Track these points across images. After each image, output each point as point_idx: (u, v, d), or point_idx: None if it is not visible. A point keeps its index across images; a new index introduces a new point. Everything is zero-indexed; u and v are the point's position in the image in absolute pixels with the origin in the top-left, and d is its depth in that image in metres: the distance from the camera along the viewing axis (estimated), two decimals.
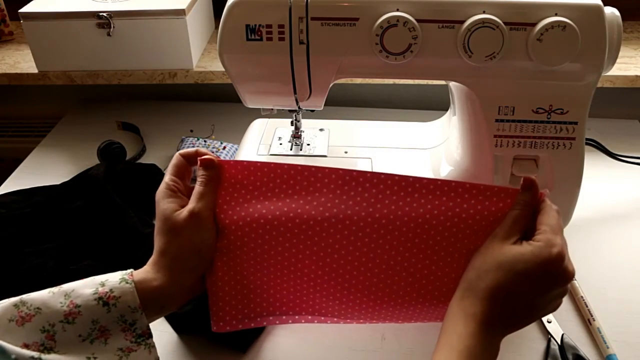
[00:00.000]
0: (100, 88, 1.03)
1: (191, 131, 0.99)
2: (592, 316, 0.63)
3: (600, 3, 0.56)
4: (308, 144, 0.76)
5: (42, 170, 0.91)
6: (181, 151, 0.57)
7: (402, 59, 0.57)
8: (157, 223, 0.53)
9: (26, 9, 0.91)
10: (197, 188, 0.54)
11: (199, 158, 0.55)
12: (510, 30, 0.56)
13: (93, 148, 0.90)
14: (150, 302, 0.49)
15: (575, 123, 0.61)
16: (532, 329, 0.63)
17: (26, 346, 0.45)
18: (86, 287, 0.48)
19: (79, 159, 0.93)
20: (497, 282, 0.47)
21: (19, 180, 0.88)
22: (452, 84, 0.68)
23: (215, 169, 0.54)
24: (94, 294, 0.48)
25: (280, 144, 0.77)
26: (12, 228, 0.74)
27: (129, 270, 0.50)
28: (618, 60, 0.59)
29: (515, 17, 0.56)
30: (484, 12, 0.55)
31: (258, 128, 0.81)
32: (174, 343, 0.62)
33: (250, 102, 0.68)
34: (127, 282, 0.48)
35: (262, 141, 0.77)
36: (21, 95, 1.18)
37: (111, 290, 0.48)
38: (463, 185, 0.54)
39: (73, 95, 1.14)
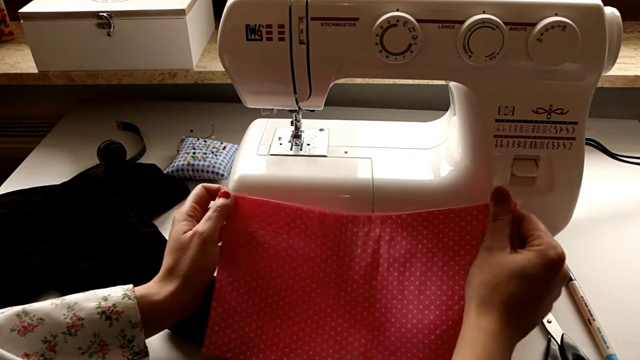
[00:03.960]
0: (100, 88, 1.03)
1: (191, 131, 0.99)
2: (592, 316, 0.63)
3: (600, 3, 0.56)
4: (308, 144, 0.76)
5: (42, 170, 0.91)
6: (205, 184, 0.63)
7: (402, 59, 0.57)
8: (168, 242, 0.57)
9: (26, 9, 0.91)
10: (208, 213, 0.59)
11: (220, 192, 0.61)
12: (510, 30, 0.56)
13: (93, 148, 0.90)
14: (150, 318, 0.50)
15: (575, 123, 0.61)
16: None
17: (26, 356, 0.45)
18: (89, 301, 0.49)
19: (79, 159, 0.93)
20: (512, 292, 0.48)
21: (19, 180, 0.88)
22: (452, 84, 0.68)
23: (229, 199, 0.60)
24: (97, 307, 0.49)
25: (280, 144, 0.76)
26: (12, 228, 0.74)
27: (130, 286, 0.52)
28: (618, 60, 0.59)
29: (515, 17, 0.56)
30: (484, 12, 0.55)
31: (258, 128, 0.81)
32: (170, 349, 0.62)
33: (250, 102, 0.68)
34: (129, 298, 0.50)
35: (262, 141, 0.77)
36: (21, 95, 1.18)
37: (114, 305, 0.49)
38: (443, 212, 0.59)
39: (73, 95, 1.14)
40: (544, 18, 0.55)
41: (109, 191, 0.77)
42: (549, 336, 0.61)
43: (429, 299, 0.56)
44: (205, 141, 0.90)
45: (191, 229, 0.57)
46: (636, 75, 0.91)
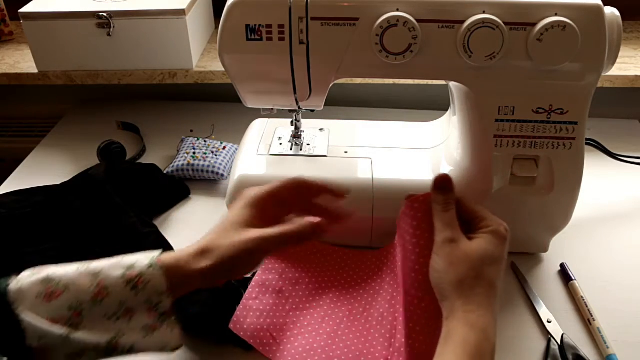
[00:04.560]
0: (100, 88, 1.03)
1: (191, 131, 0.99)
2: (592, 316, 0.63)
3: (600, 3, 0.56)
4: (308, 144, 0.76)
5: (42, 170, 0.91)
6: (303, 180, 0.57)
7: (402, 59, 0.57)
8: (229, 219, 0.54)
9: (26, 9, 0.91)
10: (291, 227, 0.53)
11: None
12: (510, 30, 0.56)
13: (93, 148, 0.89)
14: (176, 286, 0.49)
15: (575, 123, 0.61)
16: (532, 329, 0.63)
17: (53, 321, 0.45)
18: (114, 269, 0.48)
19: (79, 159, 0.93)
20: (490, 280, 0.48)
21: (19, 180, 0.88)
22: (452, 84, 0.68)
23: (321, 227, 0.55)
24: (123, 276, 0.48)
25: (280, 144, 0.77)
26: (12, 228, 0.74)
27: (156, 254, 0.50)
28: (618, 60, 0.59)
29: (515, 17, 0.56)
30: (484, 12, 0.55)
31: (258, 128, 0.81)
32: None
33: (250, 102, 0.68)
34: (155, 267, 0.48)
35: (262, 141, 0.77)
36: (21, 95, 1.18)
37: (140, 274, 0.48)
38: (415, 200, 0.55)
39: (73, 95, 1.14)
40: (544, 18, 0.55)
41: (109, 191, 0.77)
42: (549, 336, 0.61)
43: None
44: (205, 141, 0.90)
45: (251, 223, 0.53)
46: (636, 75, 0.91)
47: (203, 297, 0.61)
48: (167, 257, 0.50)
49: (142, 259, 0.49)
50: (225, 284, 0.65)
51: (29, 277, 0.47)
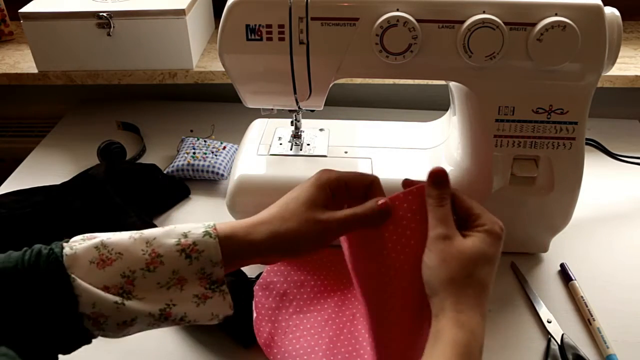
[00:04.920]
0: (100, 88, 1.03)
1: (191, 131, 0.99)
2: (592, 316, 0.63)
3: (600, 3, 0.56)
4: (308, 144, 0.76)
5: (42, 170, 0.91)
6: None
7: (402, 59, 0.57)
8: (297, 196, 0.51)
9: (26, 9, 0.91)
10: (354, 210, 0.51)
11: (384, 202, 0.51)
12: (510, 30, 0.56)
13: (93, 148, 0.90)
14: (229, 255, 0.48)
15: (575, 123, 0.61)
16: (532, 329, 0.63)
17: (106, 289, 0.45)
18: (168, 237, 0.47)
19: (79, 159, 0.93)
20: (482, 280, 0.47)
21: (19, 180, 0.88)
22: (452, 84, 0.68)
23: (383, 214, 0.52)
24: (177, 244, 0.47)
25: (280, 144, 0.77)
26: (12, 228, 0.74)
27: (212, 223, 0.49)
28: (618, 60, 0.59)
29: (515, 17, 0.56)
30: (484, 12, 0.55)
31: (258, 128, 0.81)
32: (178, 341, 0.62)
33: (250, 102, 0.68)
34: (210, 236, 0.47)
35: (262, 141, 0.77)
36: (21, 95, 1.18)
37: (194, 243, 0.47)
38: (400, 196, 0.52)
39: (73, 95, 1.14)
40: (544, 18, 0.55)
41: (109, 191, 0.77)
42: (549, 336, 0.61)
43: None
44: (205, 141, 0.90)
45: (317, 204, 0.50)
46: (636, 75, 0.91)
47: None
48: (223, 226, 0.49)
49: (196, 228, 0.48)
50: (239, 277, 0.65)
51: (82, 243, 0.46)
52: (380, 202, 0.51)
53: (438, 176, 0.51)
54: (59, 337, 0.44)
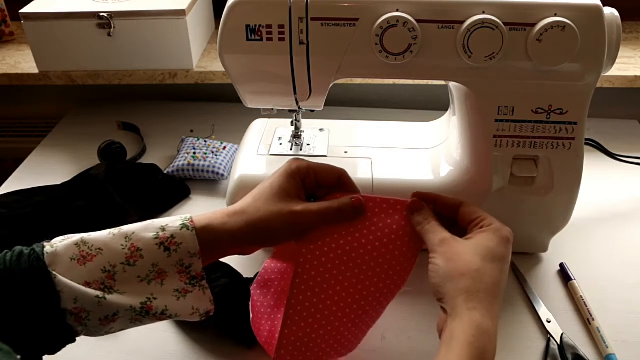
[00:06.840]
0: (100, 88, 1.04)
1: (191, 131, 0.99)
2: (591, 316, 0.63)
3: (600, 3, 0.56)
4: (308, 144, 0.76)
5: (42, 170, 0.91)
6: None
7: (402, 59, 0.57)
8: (269, 185, 0.53)
9: (27, 9, 0.91)
10: (329, 204, 0.53)
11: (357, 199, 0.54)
12: (510, 30, 0.56)
13: (93, 148, 0.90)
14: (206, 246, 0.49)
15: (575, 123, 0.62)
16: (531, 328, 0.63)
17: (88, 284, 0.45)
18: (147, 231, 0.48)
19: (79, 159, 0.93)
20: (492, 278, 0.47)
21: (20, 180, 0.89)
22: (452, 84, 0.68)
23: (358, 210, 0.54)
24: (155, 238, 0.48)
25: (280, 144, 0.77)
26: (13, 228, 0.74)
27: (188, 216, 0.50)
28: (617, 60, 0.60)
29: (515, 17, 0.56)
30: (483, 13, 0.56)
31: (258, 128, 0.81)
32: (178, 342, 0.62)
33: (250, 102, 0.68)
34: (187, 229, 0.48)
35: (262, 141, 0.77)
36: (22, 95, 1.18)
37: (172, 236, 0.48)
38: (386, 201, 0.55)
39: (73, 96, 1.14)
40: (543, 18, 0.55)
41: (109, 191, 0.78)
42: (549, 336, 0.62)
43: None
44: (205, 141, 0.91)
45: (290, 194, 0.52)
46: (635, 76, 0.92)
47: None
48: (200, 218, 0.50)
49: (174, 220, 0.49)
50: (234, 279, 0.65)
51: (62, 241, 0.47)
52: (353, 199, 0.53)
53: (415, 207, 0.54)
54: (43, 335, 0.44)
